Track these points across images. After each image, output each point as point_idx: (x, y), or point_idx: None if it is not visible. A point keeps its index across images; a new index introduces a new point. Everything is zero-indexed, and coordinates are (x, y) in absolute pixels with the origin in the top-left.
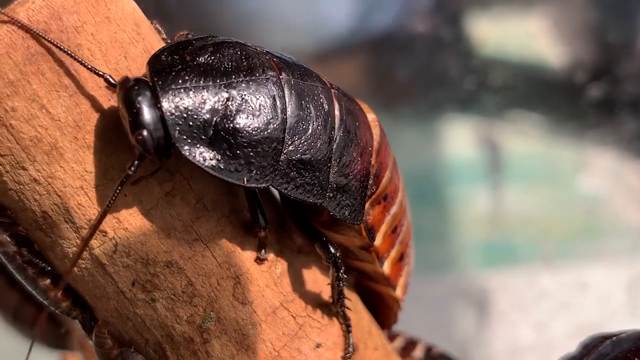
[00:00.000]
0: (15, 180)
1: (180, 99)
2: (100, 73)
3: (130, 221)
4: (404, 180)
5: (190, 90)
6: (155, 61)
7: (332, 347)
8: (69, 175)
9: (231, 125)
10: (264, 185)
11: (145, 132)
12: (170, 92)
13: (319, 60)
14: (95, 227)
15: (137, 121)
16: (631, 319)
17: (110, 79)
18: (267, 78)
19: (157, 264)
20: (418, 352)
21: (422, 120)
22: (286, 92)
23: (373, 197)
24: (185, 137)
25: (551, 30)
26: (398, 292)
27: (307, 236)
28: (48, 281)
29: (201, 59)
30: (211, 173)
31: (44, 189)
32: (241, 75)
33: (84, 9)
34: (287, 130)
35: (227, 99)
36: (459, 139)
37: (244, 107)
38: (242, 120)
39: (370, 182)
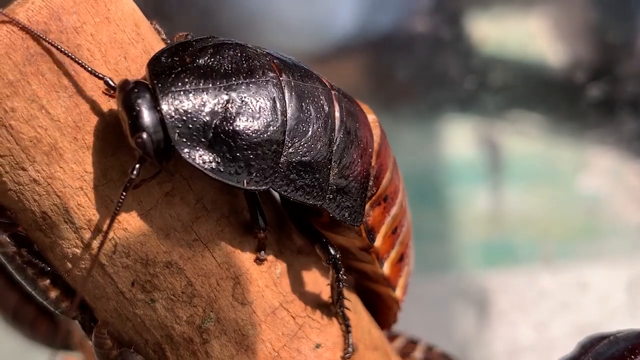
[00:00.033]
0: (15, 180)
1: (180, 101)
2: (100, 75)
3: (129, 221)
4: (404, 181)
5: (190, 92)
6: (154, 63)
7: (331, 347)
8: (68, 176)
9: (231, 127)
10: (263, 187)
11: (144, 135)
12: (170, 94)
13: (319, 60)
14: (105, 236)
15: (136, 124)
16: (631, 319)
17: (110, 82)
18: (267, 80)
19: (156, 264)
20: (418, 352)
21: (422, 120)
22: (286, 93)
23: (373, 198)
24: (185, 139)
25: (551, 30)
26: (398, 292)
27: (307, 237)
28: (48, 281)
29: (201, 61)
30: (211, 176)
31: (43, 190)
32: (241, 77)
33: (84, 9)
34: (287, 133)
35: (227, 102)
36: (459, 139)
37: (243, 109)
38: (242, 123)
39: (371, 183)
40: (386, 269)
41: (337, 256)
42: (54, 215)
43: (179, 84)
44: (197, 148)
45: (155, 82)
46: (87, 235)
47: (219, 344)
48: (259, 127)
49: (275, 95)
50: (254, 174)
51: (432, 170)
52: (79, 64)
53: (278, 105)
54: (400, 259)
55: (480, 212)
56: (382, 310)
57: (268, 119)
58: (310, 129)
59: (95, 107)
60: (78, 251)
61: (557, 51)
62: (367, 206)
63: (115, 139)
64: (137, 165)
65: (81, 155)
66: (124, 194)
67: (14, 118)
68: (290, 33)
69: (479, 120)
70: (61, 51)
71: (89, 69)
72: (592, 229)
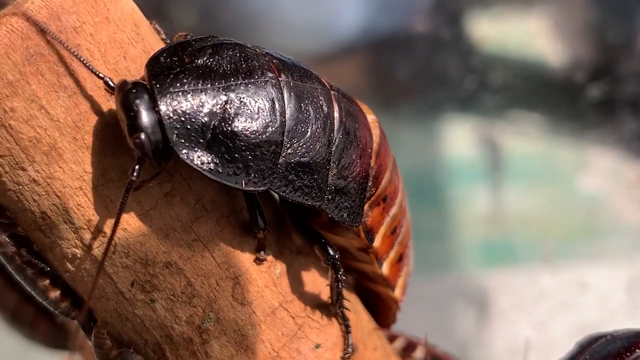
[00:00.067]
0: (14, 180)
1: (178, 102)
2: (101, 75)
3: (129, 222)
4: (403, 180)
5: (189, 93)
6: (153, 63)
7: (331, 347)
8: (68, 176)
9: (229, 128)
10: (262, 188)
11: (143, 136)
12: (168, 95)
13: (319, 60)
14: (110, 239)
15: (134, 124)
16: (631, 319)
17: (110, 82)
18: (266, 80)
19: (156, 264)
20: (419, 352)
21: (422, 120)
22: (285, 94)
23: (372, 198)
24: (183, 140)
25: (551, 29)
26: (397, 292)
27: (306, 238)
28: (47, 281)
29: (200, 61)
30: (209, 177)
31: (43, 190)
32: (240, 77)
33: (83, 9)
34: (285, 133)
35: (226, 102)
36: (459, 138)
37: (242, 110)
38: (240, 124)
39: (370, 183)
40: (385, 269)
41: (336, 257)
42: (54, 215)
43: (178, 84)
44: (196, 149)
45: (153, 82)
46: (86, 235)
47: (218, 344)
48: (257, 128)
49: (274, 95)
50: (253, 175)
51: (432, 170)
52: (82, 62)
53: (277, 105)
54: (400, 259)
55: (480, 211)
56: (382, 310)
57: (267, 120)
58: (309, 129)
59: (94, 107)
60: (78, 251)
61: (557, 51)
62: (366, 206)
63: (115, 139)
64: (137, 167)
65: (80, 155)
66: (126, 196)
67: (14, 118)
68: (291, 33)
69: (479, 120)
70: (66, 48)
71: (91, 67)
72: (592, 229)
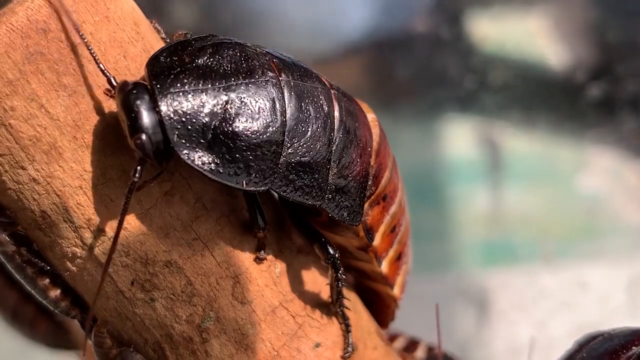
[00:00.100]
0: (14, 179)
1: (179, 102)
2: (107, 74)
3: (129, 221)
4: (403, 180)
5: (189, 93)
6: (153, 63)
7: (331, 346)
8: (68, 175)
9: (230, 128)
10: (263, 188)
11: (144, 136)
12: (169, 95)
13: (319, 60)
14: (114, 241)
15: (135, 125)
16: (631, 319)
17: (113, 81)
18: (267, 80)
19: (156, 263)
20: (420, 352)
21: (422, 119)
22: (286, 94)
23: (372, 197)
24: (184, 141)
25: (551, 29)
26: (396, 290)
27: (306, 237)
28: (47, 280)
29: (200, 61)
30: (210, 177)
31: (43, 189)
32: (240, 77)
33: (83, 8)
34: (286, 133)
35: (226, 102)
36: (459, 138)
37: (243, 110)
38: (241, 124)
39: (370, 182)
40: (384, 267)
41: (336, 255)
42: (54, 214)
43: (178, 84)
44: (196, 149)
45: (154, 83)
46: (86, 234)
47: (218, 343)
48: (258, 128)
49: (274, 95)
50: (253, 175)
51: (432, 170)
52: (92, 55)
53: (277, 105)
54: (399, 257)
55: (480, 211)
56: (381, 308)
57: (267, 120)
58: (309, 129)
59: (94, 106)
60: (77, 250)
61: (557, 51)
62: (366, 205)
63: (115, 138)
64: (139, 168)
65: (80, 154)
66: (129, 197)
67: (14, 117)
68: (292, 33)
69: (479, 120)
70: (81, 38)
71: (99, 62)
72: (592, 228)
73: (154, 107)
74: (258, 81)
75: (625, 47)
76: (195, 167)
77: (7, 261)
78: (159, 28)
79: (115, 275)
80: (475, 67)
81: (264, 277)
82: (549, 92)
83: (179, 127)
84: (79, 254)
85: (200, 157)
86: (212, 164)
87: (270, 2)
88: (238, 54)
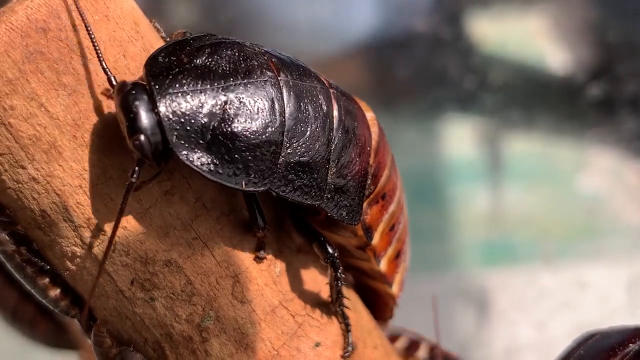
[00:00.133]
0: (14, 178)
1: (178, 103)
2: (109, 73)
3: (129, 220)
4: (403, 180)
5: (188, 94)
6: (152, 63)
7: (331, 345)
8: (67, 174)
9: (229, 129)
10: (262, 188)
11: (142, 137)
12: (168, 96)
13: (319, 60)
14: (110, 241)
15: (134, 126)
16: (631, 319)
17: (113, 81)
18: (265, 80)
19: (156, 262)
20: (422, 351)
21: (422, 119)
22: (284, 93)
23: (371, 196)
24: (183, 141)
25: (551, 29)
26: (394, 288)
27: (305, 236)
28: (47, 280)
29: (198, 61)
30: (209, 178)
31: (42, 188)
32: (239, 77)
33: (83, 7)
34: (285, 133)
35: (225, 103)
36: (459, 138)
37: (242, 110)
38: (240, 124)
39: (369, 181)
40: (383, 266)
41: (335, 255)
42: (53, 213)
43: (177, 85)
44: (195, 150)
45: (152, 83)
46: (86, 233)
47: (218, 342)
48: (257, 128)
49: (273, 95)
50: (253, 175)
51: (432, 170)
52: (95, 50)
53: (276, 105)
54: (397, 255)
55: (480, 211)
56: (379, 306)
57: (266, 120)
58: (308, 129)
59: (94, 106)
60: (77, 249)
61: (557, 51)
62: (364, 204)
63: (115, 137)
64: (137, 168)
65: (80, 154)
66: (126, 197)
67: (13, 116)
68: (292, 32)
69: (479, 120)
70: (88, 31)
71: (101, 59)
72: (592, 228)
73: (153, 108)
74: (257, 81)
75: (625, 47)
76: (194, 167)
77: (7, 260)
78: (159, 27)
79: (115, 275)
80: (475, 67)
81: (264, 276)
82: (549, 92)
83: (178, 128)
84: (78, 253)
85: (199, 158)
86: (211, 165)
87: (270, 1)
88: (236, 54)
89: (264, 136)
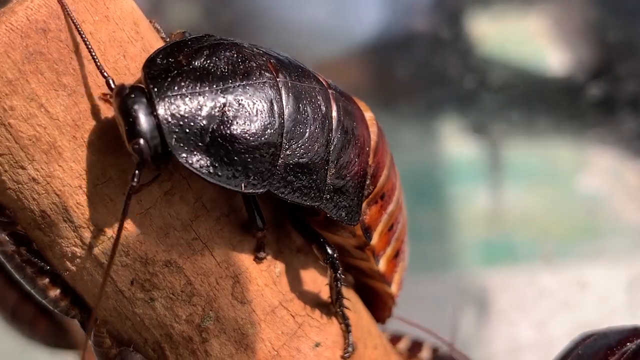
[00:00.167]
0: (14, 179)
1: (177, 106)
2: (105, 75)
3: (129, 220)
4: (402, 180)
5: (187, 96)
6: (150, 65)
7: (331, 346)
8: (67, 175)
9: (228, 131)
10: (261, 190)
11: (141, 141)
12: (166, 99)
13: (319, 60)
14: (115, 245)
15: (133, 130)
16: (631, 319)
17: (111, 83)
18: (264, 82)
19: (155, 263)
20: (425, 352)
21: (422, 119)
22: (283, 95)
23: (370, 196)
24: (182, 144)
25: (551, 29)
26: (393, 288)
27: (305, 237)
28: (47, 280)
29: (197, 63)
30: (208, 180)
31: (42, 188)
32: (238, 79)
33: (83, 7)
34: (284, 135)
35: (224, 105)
36: (459, 138)
37: (240, 112)
38: (239, 126)
39: (368, 182)
40: (382, 265)
41: (335, 255)
42: (53, 213)
43: (175, 87)
44: (194, 152)
45: (151, 86)
46: (86, 234)
47: (218, 342)
48: (256, 130)
49: (272, 97)
50: (252, 177)
51: (431, 169)
52: (92, 55)
53: (275, 107)
54: (396, 255)
55: (480, 211)
56: (378, 305)
57: (265, 122)
58: (307, 130)
59: (94, 106)
60: (77, 250)
61: (557, 51)
62: (364, 205)
63: (114, 137)
64: (137, 172)
65: (80, 154)
66: (128, 202)
67: (13, 116)
68: (291, 33)
69: (478, 120)
70: (80, 34)
71: (98, 64)
72: (592, 228)
73: (152, 111)
74: (255, 83)
75: (625, 47)
76: (193, 170)
77: (7, 261)
78: (159, 27)
79: (115, 275)
80: (475, 67)
81: (264, 276)
82: (549, 92)
83: (177, 130)
84: (78, 254)
85: (198, 161)
86: (210, 167)
87: (270, 1)
88: (235, 55)
89: (262, 138)
